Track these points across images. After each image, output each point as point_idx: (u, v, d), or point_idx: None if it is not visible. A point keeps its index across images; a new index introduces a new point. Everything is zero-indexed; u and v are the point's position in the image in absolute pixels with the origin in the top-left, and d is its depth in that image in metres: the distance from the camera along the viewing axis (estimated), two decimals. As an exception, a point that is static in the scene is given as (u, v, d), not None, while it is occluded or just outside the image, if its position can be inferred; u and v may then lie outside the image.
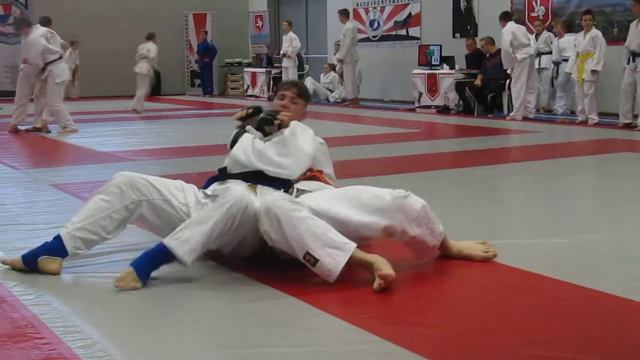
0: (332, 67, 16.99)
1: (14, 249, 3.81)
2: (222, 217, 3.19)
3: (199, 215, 3.27)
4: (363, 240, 3.34)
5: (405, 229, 3.29)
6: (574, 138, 9.56)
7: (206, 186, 3.69)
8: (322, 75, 17.40)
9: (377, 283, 3.06)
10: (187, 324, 2.78)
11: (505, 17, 12.34)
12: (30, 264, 3.36)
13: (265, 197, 3.25)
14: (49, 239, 3.57)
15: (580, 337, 2.62)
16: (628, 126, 10.23)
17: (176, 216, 3.45)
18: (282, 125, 3.72)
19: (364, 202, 3.29)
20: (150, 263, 3.21)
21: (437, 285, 3.35)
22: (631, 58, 10.18)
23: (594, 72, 10.67)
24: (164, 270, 3.33)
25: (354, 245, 3.13)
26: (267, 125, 3.75)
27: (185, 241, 3.17)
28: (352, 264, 3.13)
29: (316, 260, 3.07)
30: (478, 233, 3.96)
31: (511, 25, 11.98)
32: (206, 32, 19.41)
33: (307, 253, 3.07)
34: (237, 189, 3.30)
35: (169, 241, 3.19)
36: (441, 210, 3.69)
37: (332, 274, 3.08)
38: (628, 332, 2.70)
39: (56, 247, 3.36)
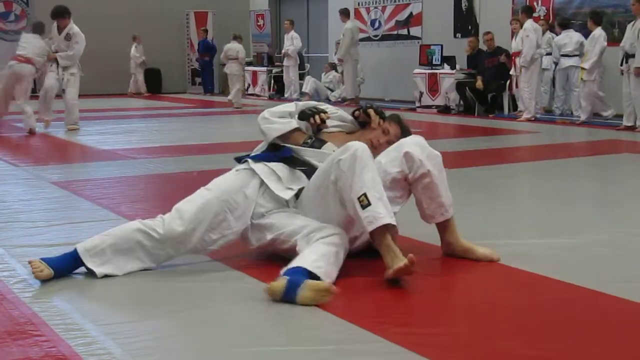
0: (333, 67, 16.99)
1: (14, 246, 3.81)
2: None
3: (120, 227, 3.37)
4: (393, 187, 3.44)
5: (423, 160, 3.42)
6: (575, 139, 9.56)
7: (266, 159, 3.58)
8: (322, 74, 17.39)
9: (403, 263, 3.06)
10: (186, 322, 2.78)
11: (527, 12, 12.14)
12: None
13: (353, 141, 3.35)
14: (49, 236, 3.58)
15: (583, 338, 2.62)
16: (631, 128, 10.18)
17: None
18: (320, 126, 3.71)
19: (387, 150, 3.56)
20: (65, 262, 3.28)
21: (439, 286, 3.34)
22: (624, 59, 10.15)
23: (583, 69, 10.71)
24: (165, 268, 3.34)
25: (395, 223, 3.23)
26: (306, 120, 3.70)
27: (96, 253, 3.26)
28: (382, 239, 3.15)
29: (369, 204, 3.12)
30: (480, 233, 3.96)
31: (533, 23, 11.88)
32: (206, 31, 19.41)
33: (365, 195, 3.13)
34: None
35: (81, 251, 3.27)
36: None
37: (376, 222, 3.11)
38: (629, 333, 2.69)
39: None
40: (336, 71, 16.86)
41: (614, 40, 11.97)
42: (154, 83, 20.06)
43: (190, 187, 3.60)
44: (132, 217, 4.33)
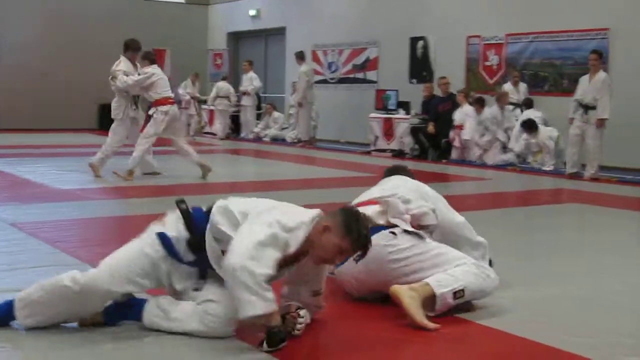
0: (274, 107, 17.65)
1: (-24, 292, 3.83)
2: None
3: (52, 280, 3.27)
4: None
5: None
6: (525, 187, 9.83)
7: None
8: (266, 117, 17.62)
9: None
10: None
11: (480, 104, 12.86)
12: None
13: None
14: (11, 280, 3.60)
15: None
16: (575, 175, 10.57)
17: None
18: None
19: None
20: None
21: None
22: (584, 111, 10.51)
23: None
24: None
25: None
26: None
27: (28, 304, 3.23)
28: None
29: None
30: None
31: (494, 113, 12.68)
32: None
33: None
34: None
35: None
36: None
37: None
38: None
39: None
40: (275, 109, 17.48)
41: (563, 90, 12.43)
42: (109, 119, 19.96)
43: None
44: (91, 261, 4.39)
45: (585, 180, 10.28)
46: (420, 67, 15.36)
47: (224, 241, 3.21)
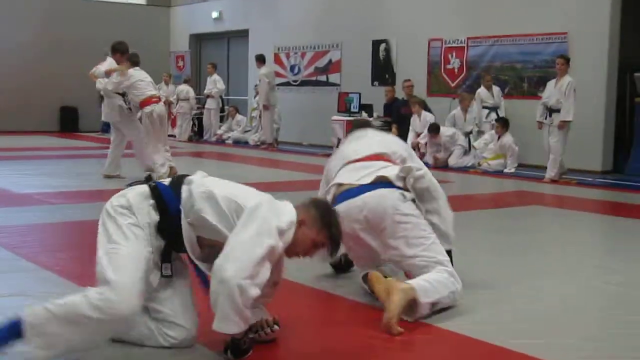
0: (237, 110, 17.72)
1: None
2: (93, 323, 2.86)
3: (67, 308, 2.87)
4: None
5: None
6: (489, 189, 9.91)
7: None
8: (230, 120, 17.59)
9: None
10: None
11: (435, 132, 12.71)
12: None
13: None
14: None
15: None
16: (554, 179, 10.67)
17: None
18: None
19: None
20: None
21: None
22: (548, 113, 10.66)
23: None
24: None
25: None
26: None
27: (42, 334, 2.84)
28: None
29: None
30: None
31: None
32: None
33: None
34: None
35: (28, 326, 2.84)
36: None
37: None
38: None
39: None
40: (238, 112, 17.48)
41: (523, 93, 12.57)
42: (71, 121, 19.86)
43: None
44: (52, 267, 4.35)
45: (545, 183, 10.41)
46: (382, 70, 15.42)
47: (201, 227, 3.07)
